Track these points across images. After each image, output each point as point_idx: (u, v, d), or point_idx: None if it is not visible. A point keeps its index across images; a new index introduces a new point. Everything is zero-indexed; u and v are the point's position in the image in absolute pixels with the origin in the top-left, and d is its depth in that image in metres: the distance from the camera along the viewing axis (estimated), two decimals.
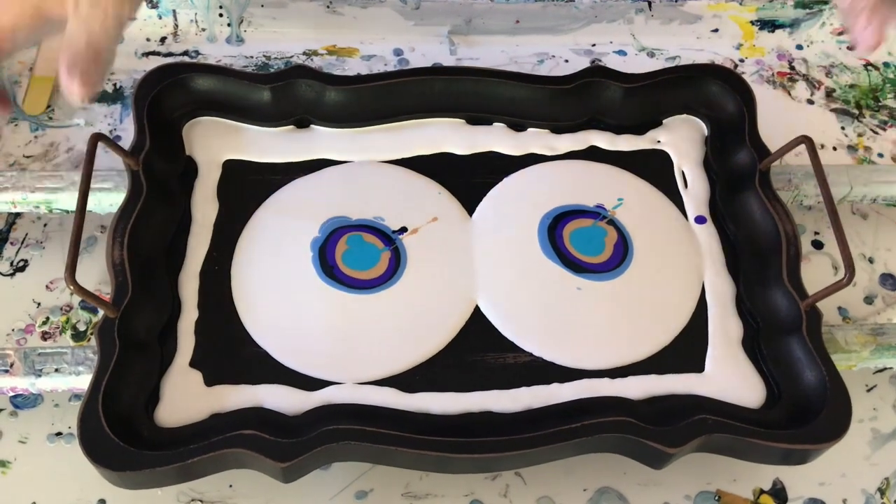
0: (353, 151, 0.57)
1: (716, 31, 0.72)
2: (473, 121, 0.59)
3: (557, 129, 0.59)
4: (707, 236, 0.55)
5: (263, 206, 0.55)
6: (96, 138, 0.49)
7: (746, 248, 0.54)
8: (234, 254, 0.53)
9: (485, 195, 0.56)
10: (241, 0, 0.68)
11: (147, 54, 0.68)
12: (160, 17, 0.68)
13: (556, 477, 0.51)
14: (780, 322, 0.51)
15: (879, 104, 0.69)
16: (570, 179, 0.57)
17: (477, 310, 0.52)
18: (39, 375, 0.48)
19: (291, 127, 0.58)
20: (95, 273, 0.56)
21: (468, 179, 0.57)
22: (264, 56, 0.69)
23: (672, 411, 0.48)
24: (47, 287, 0.56)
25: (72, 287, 0.44)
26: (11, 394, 0.50)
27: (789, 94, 0.70)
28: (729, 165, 0.57)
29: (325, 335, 0.50)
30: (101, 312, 0.48)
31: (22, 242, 0.58)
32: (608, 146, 0.59)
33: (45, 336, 0.54)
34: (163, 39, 0.69)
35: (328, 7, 0.69)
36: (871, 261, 0.61)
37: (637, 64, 0.70)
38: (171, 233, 0.53)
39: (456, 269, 0.53)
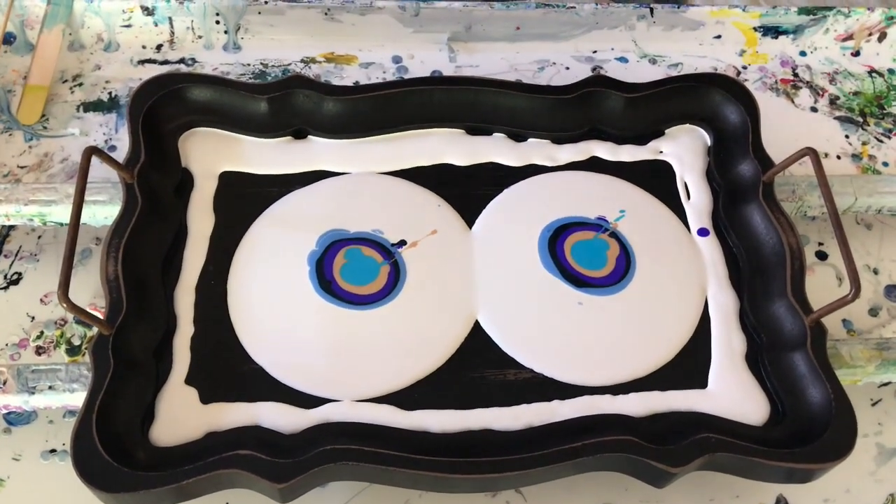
0: (351, 163, 0.57)
1: (718, 37, 0.71)
2: (473, 131, 0.59)
3: (558, 140, 0.59)
4: (710, 249, 0.55)
5: (260, 218, 0.54)
6: (90, 152, 0.48)
7: (750, 262, 0.54)
8: (231, 268, 0.52)
9: (485, 207, 0.56)
10: (238, 7, 0.67)
11: (143, 62, 0.67)
12: (156, 25, 0.68)
13: (557, 494, 0.50)
14: (784, 337, 0.50)
15: (884, 112, 0.69)
16: (572, 191, 0.57)
17: (477, 325, 0.51)
18: (33, 393, 0.48)
19: (289, 138, 0.57)
20: (91, 286, 0.55)
21: (468, 191, 0.56)
22: (262, 64, 0.68)
23: (675, 429, 0.47)
24: (41, 300, 0.55)
25: (65, 305, 0.43)
26: (5, 411, 0.49)
27: (793, 102, 0.69)
28: (732, 176, 0.57)
29: (322, 351, 0.49)
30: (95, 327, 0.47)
31: (16, 255, 0.57)
32: (610, 156, 0.58)
33: (39, 351, 0.53)
34: (159, 47, 0.68)
35: (326, 14, 0.68)
36: (875, 272, 0.60)
37: (639, 71, 0.69)
38: (167, 246, 0.52)
39: (456, 283, 0.52)
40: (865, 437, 0.53)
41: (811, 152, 0.52)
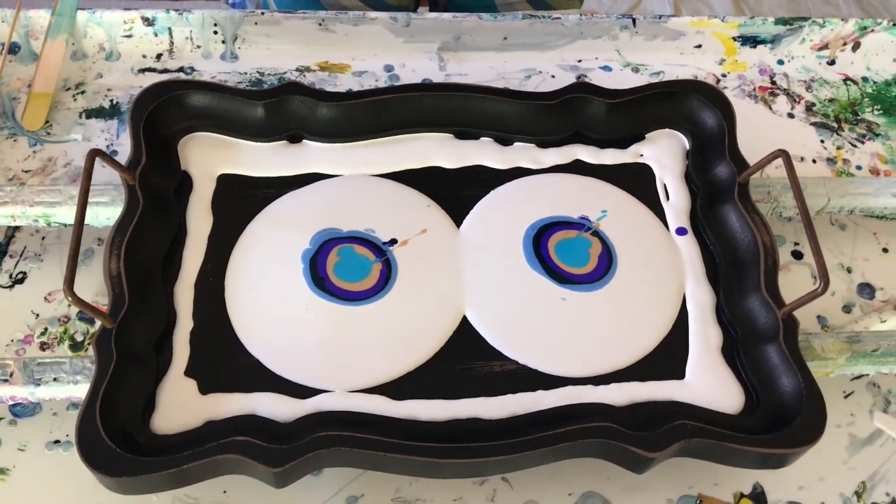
0: (344, 165, 0.59)
1: (699, 46, 0.74)
2: (461, 135, 0.61)
3: (543, 144, 0.61)
4: (688, 247, 0.57)
5: (256, 218, 0.56)
6: (94, 154, 0.51)
7: (726, 259, 0.56)
8: (228, 265, 0.54)
9: (472, 207, 0.58)
10: (235, 17, 0.70)
11: (143, 70, 0.70)
12: (156, 35, 0.70)
13: (542, 482, 0.52)
14: (758, 330, 0.52)
15: (858, 118, 0.71)
16: (556, 192, 0.59)
17: (464, 320, 0.53)
18: (38, 384, 0.50)
19: (284, 142, 0.60)
20: (93, 285, 0.57)
21: (456, 192, 0.59)
22: (258, 72, 0.70)
23: (653, 417, 0.49)
24: (45, 298, 0.57)
25: (70, 299, 0.45)
26: (11, 402, 0.51)
27: (770, 109, 0.71)
28: (709, 178, 0.59)
29: (316, 345, 0.51)
30: (98, 323, 0.49)
31: (21, 255, 0.59)
32: (592, 160, 0.61)
33: (43, 346, 0.55)
34: (158, 56, 0.70)
35: (320, 24, 0.70)
36: (849, 270, 0.62)
37: (622, 79, 0.72)
38: (167, 245, 0.54)
39: (444, 279, 0.55)
40: (838, 427, 0.55)
41: (783, 154, 0.54)
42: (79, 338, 0.56)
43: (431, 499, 0.51)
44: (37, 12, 0.68)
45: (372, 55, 0.72)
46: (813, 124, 0.71)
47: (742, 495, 0.52)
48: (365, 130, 0.60)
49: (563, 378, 0.51)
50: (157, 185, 0.55)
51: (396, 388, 0.50)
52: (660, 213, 0.59)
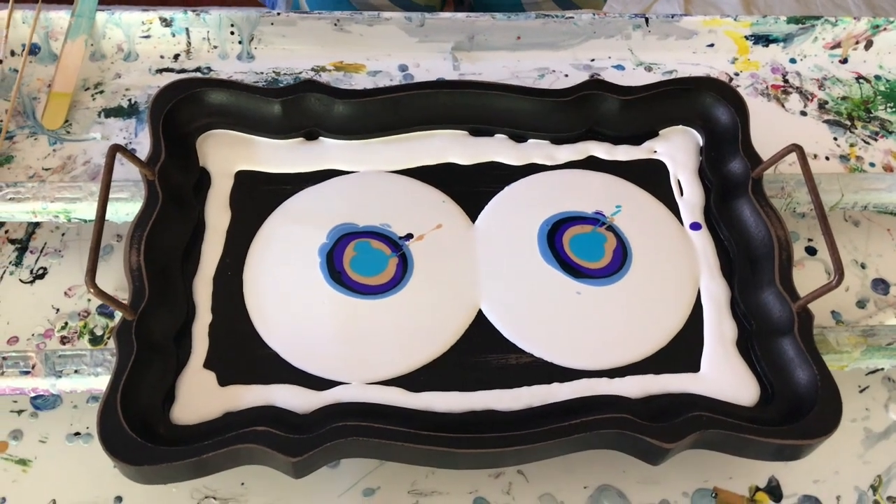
0: (360, 162, 0.60)
1: (711, 45, 0.74)
2: (476, 132, 0.61)
3: (557, 140, 0.61)
4: (702, 242, 0.57)
5: (274, 214, 0.57)
6: (115, 149, 0.51)
7: (740, 253, 0.56)
8: (246, 260, 0.55)
9: (487, 203, 0.58)
10: (251, 18, 0.70)
11: (160, 71, 0.70)
12: (173, 35, 0.71)
13: (558, 475, 0.52)
14: (772, 323, 0.52)
15: (871, 115, 0.71)
16: (570, 187, 0.59)
17: (480, 313, 0.54)
18: (60, 376, 0.50)
19: (301, 139, 0.60)
20: (112, 280, 0.58)
21: (471, 188, 0.59)
22: (274, 72, 0.71)
23: (668, 409, 0.49)
24: (66, 293, 0.58)
25: (92, 290, 0.46)
26: (32, 394, 0.52)
27: (783, 107, 0.72)
28: (723, 174, 0.59)
29: (333, 338, 0.52)
30: (118, 316, 0.50)
31: (41, 251, 0.60)
32: (606, 156, 0.61)
33: (63, 340, 0.56)
34: (176, 56, 0.71)
35: (336, 25, 0.71)
36: (863, 266, 0.63)
37: (635, 78, 0.72)
38: (186, 240, 0.55)
39: (460, 274, 0.55)
40: (854, 421, 0.55)
41: (797, 148, 0.54)
42: (98, 332, 0.56)
43: (447, 491, 0.51)
44: (57, 13, 0.69)
45: (386, 55, 0.73)
46: (826, 122, 0.71)
47: (757, 488, 0.52)
48: (381, 127, 0.60)
49: (578, 371, 0.52)
50: (176, 181, 0.56)
51: (413, 381, 0.51)
52: (674, 209, 0.59)
